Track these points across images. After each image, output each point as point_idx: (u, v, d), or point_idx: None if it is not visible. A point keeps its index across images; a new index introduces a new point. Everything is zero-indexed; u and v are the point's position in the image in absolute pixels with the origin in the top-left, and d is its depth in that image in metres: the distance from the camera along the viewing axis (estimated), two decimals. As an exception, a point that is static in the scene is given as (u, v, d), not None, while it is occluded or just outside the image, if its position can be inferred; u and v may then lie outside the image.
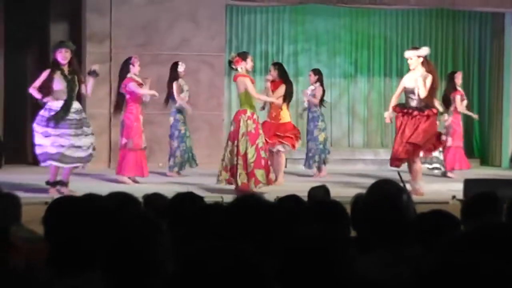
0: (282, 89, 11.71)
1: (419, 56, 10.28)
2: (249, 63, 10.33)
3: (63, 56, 9.85)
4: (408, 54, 10.45)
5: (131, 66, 11.35)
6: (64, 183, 9.98)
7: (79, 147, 9.82)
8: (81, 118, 9.97)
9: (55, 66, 9.90)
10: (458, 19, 16.48)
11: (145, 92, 11.23)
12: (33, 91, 9.91)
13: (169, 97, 12.27)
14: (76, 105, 9.94)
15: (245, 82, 10.23)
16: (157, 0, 14.04)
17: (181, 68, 12.34)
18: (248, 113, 10.20)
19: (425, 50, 10.40)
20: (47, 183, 9.98)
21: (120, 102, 11.39)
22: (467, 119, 15.64)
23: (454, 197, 9.65)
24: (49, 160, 9.79)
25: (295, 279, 2.51)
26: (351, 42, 16.51)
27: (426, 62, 10.35)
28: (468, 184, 9.54)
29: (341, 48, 16.47)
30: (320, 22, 16.28)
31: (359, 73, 16.56)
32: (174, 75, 12.32)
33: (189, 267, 2.09)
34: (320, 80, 12.92)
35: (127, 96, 11.26)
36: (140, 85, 11.27)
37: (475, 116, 14.25)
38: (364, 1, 14.77)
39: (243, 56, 10.43)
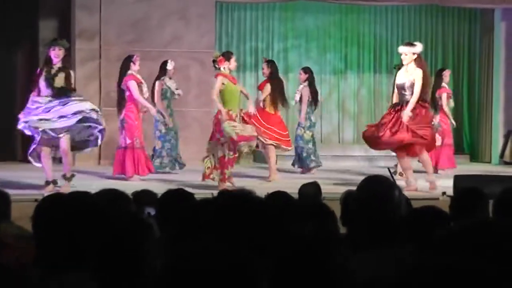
0: (267, 88, 11.92)
1: (414, 53, 10.25)
2: (232, 63, 10.44)
3: (56, 54, 9.82)
4: (403, 49, 10.36)
5: (131, 64, 11.34)
6: (66, 178, 9.91)
7: (63, 116, 9.72)
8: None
9: (46, 64, 9.87)
10: (447, 15, 16.50)
11: (141, 100, 11.27)
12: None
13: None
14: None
15: (216, 81, 10.42)
16: (147, -3, 14.03)
17: (170, 66, 12.29)
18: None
19: (419, 47, 10.37)
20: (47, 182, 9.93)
21: (121, 100, 11.34)
22: (456, 115, 15.66)
23: (444, 193, 9.65)
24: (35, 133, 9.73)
25: (287, 279, 2.50)
26: (341, 39, 16.51)
27: (419, 59, 10.32)
28: (458, 180, 9.55)
29: (331, 45, 16.47)
30: (310, 19, 16.28)
31: (349, 70, 16.57)
32: (161, 73, 12.29)
33: (179, 268, 2.07)
34: (309, 79, 12.96)
35: (127, 94, 11.24)
36: (140, 83, 11.30)
37: (453, 122, 13.54)
38: (354, -2, 14.81)
39: (226, 56, 10.55)
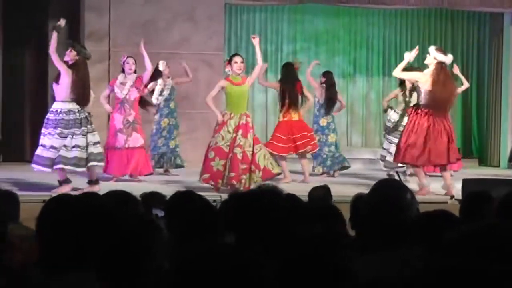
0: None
1: (435, 58, 10.23)
2: (233, 66, 10.44)
3: (66, 53, 10.09)
4: (430, 49, 10.42)
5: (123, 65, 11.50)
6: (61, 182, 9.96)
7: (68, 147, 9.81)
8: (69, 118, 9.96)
9: None
10: (457, 19, 16.48)
11: (104, 103, 11.51)
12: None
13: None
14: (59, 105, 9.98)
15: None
16: (156, -2, 14.05)
17: (161, 66, 12.26)
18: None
19: (442, 57, 10.27)
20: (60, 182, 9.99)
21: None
22: (465, 119, 15.66)
23: (452, 197, 9.64)
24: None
25: (292, 280, 2.50)
26: (350, 42, 16.51)
27: (440, 68, 10.22)
28: (467, 184, 9.53)
29: (340, 48, 16.47)
30: (319, 22, 16.28)
31: (358, 73, 16.56)
32: (155, 74, 12.31)
33: (186, 270, 2.07)
34: (325, 83, 12.97)
35: (135, 96, 11.37)
36: (122, 84, 11.38)
37: None
38: (363, 1, 14.75)
39: (229, 59, 10.70)
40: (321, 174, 12.85)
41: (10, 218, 4.75)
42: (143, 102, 11.55)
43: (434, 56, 10.16)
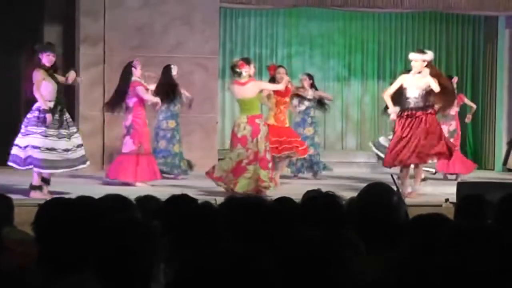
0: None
1: (424, 61, 10.23)
2: (252, 69, 10.29)
3: (49, 59, 9.82)
4: (414, 56, 10.36)
5: (133, 69, 11.36)
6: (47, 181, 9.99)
7: (60, 150, 9.82)
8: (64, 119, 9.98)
9: (41, 67, 9.87)
10: (451, 22, 16.50)
11: (150, 98, 11.33)
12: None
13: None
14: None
15: (260, 85, 10.69)
16: (151, 3, 14.02)
17: (173, 71, 12.34)
18: (262, 117, 10.48)
19: (430, 55, 10.36)
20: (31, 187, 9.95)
21: (118, 103, 11.35)
22: (460, 123, 15.67)
23: (447, 200, 9.65)
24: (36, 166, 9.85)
25: (291, 282, 2.50)
26: (344, 45, 16.53)
27: (430, 66, 10.31)
28: (461, 187, 9.54)
29: (334, 51, 16.49)
30: (314, 25, 16.29)
31: (352, 76, 16.58)
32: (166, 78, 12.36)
33: (189, 271, 2.07)
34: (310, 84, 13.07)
35: (134, 100, 11.23)
36: (146, 89, 11.33)
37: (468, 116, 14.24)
38: (358, 5, 14.77)
39: (246, 60, 10.42)
40: (293, 176, 12.86)
41: (4, 222, 4.74)
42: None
43: (422, 59, 10.21)
